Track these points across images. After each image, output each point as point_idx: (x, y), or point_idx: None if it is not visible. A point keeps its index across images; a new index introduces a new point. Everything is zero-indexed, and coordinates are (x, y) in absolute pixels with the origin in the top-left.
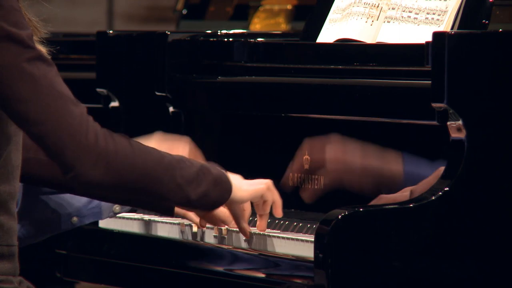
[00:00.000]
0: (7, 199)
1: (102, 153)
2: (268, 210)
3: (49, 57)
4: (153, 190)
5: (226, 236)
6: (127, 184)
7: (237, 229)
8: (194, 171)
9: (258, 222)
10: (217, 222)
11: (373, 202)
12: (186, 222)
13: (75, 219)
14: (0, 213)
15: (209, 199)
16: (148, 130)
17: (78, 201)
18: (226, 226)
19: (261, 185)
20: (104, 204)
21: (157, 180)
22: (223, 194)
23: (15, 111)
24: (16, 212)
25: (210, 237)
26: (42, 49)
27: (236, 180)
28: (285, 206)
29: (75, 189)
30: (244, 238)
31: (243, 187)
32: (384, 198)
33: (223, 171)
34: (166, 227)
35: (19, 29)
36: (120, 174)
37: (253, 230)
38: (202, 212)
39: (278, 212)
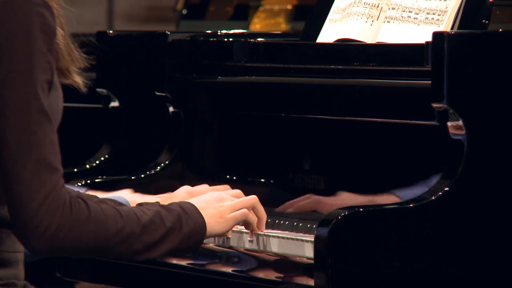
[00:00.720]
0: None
1: (55, 230)
2: (250, 228)
3: (85, 89)
4: (105, 255)
5: (229, 237)
6: (74, 254)
7: (236, 229)
8: (161, 233)
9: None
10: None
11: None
12: None
13: None
14: (4, 230)
15: (178, 252)
16: (148, 130)
17: None
18: None
19: (241, 212)
20: None
21: (108, 251)
22: (196, 244)
23: None
24: None
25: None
26: (79, 80)
27: (214, 215)
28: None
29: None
30: (243, 238)
31: (224, 216)
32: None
33: (199, 215)
34: None
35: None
36: (65, 249)
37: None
38: None
39: (260, 229)
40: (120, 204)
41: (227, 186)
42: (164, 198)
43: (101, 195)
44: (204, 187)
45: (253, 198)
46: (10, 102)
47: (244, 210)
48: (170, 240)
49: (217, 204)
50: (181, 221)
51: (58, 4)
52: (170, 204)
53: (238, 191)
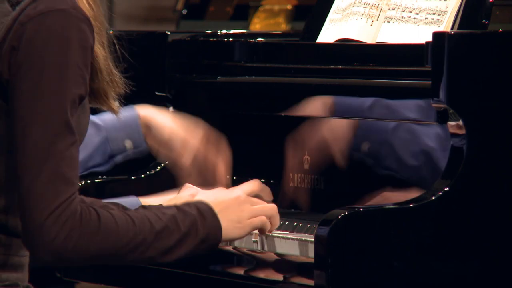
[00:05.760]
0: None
1: (60, 244)
2: (265, 232)
3: (119, 114)
4: (117, 263)
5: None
6: (82, 264)
7: None
8: (176, 238)
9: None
10: None
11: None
12: None
13: None
14: (15, 238)
15: (192, 255)
16: None
17: None
18: None
19: (259, 219)
20: None
21: (120, 259)
22: (211, 247)
23: (14, 150)
24: None
25: None
26: (115, 106)
27: (231, 220)
28: (285, 206)
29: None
30: (243, 238)
31: (241, 221)
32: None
33: (216, 219)
34: None
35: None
36: (73, 259)
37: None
38: None
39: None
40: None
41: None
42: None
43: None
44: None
45: (273, 207)
46: (36, 110)
47: (263, 217)
48: (185, 245)
49: (237, 207)
50: (197, 226)
51: (102, 25)
52: (188, 205)
53: (259, 185)
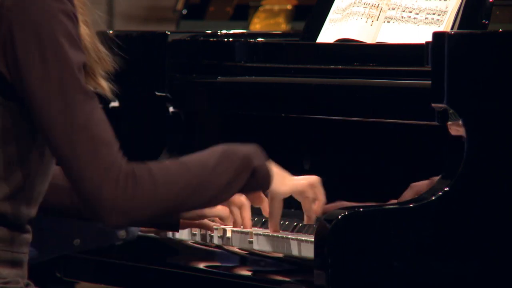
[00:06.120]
0: (25, 221)
1: (124, 202)
2: (307, 207)
3: (111, 96)
4: (180, 212)
5: (230, 237)
6: (151, 220)
7: (239, 230)
8: (228, 177)
9: (305, 219)
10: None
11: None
12: None
13: (77, 241)
14: (16, 232)
15: (244, 191)
16: (148, 130)
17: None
18: (229, 227)
19: (302, 181)
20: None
21: (182, 206)
22: (263, 184)
23: (44, 135)
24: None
25: (213, 239)
26: (105, 85)
27: (279, 174)
28: (285, 206)
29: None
30: (244, 238)
31: (285, 181)
32: (415, 186)
33: (264, 161)
34: None
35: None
36: (139, 218)
37: (253, 230)
38: None
39: (316, 210)
40: None
41: None
42: None
43: None
44: None
45: (315, 178)
46: (50, 86)
47: (304, 181)
48: (240, 180)
49: (281, 169)
50: (247, 162)
51: (84, 5)
52: (236, 147)
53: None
